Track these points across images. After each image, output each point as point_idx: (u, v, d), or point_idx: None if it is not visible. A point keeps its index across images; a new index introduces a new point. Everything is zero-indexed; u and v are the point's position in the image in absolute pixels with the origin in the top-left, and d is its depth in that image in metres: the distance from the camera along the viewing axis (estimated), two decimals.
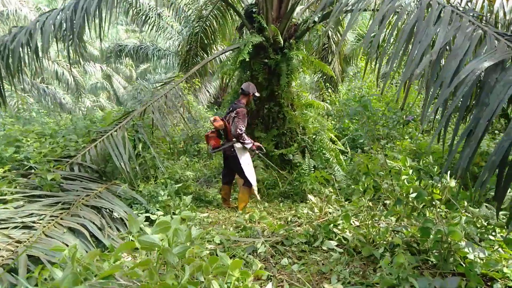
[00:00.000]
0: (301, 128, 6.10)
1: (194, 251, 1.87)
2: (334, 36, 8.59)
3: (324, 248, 3.08)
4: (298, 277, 2.58)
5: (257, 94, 4.74)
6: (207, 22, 8.57)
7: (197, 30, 8.95)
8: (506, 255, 2.53)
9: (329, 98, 8.35)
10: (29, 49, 4.37)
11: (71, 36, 4.39)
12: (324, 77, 9.30)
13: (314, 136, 6.01)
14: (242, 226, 3.46)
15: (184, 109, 4.71)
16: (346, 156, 6.20)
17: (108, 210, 3.38)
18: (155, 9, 13.23)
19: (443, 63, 2.26)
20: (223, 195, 4.80)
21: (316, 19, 5.25)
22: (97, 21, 4.50)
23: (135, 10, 12.39)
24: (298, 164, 5.60)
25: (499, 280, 2.33)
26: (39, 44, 4.68)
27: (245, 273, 2.04)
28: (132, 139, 4.18)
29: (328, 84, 8.89)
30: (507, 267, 2.37)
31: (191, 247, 1.86)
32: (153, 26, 13.27)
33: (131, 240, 1.96)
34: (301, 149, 5.97)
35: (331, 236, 3.21)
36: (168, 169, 4.66)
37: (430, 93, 2.20)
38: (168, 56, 15.96)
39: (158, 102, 4.35)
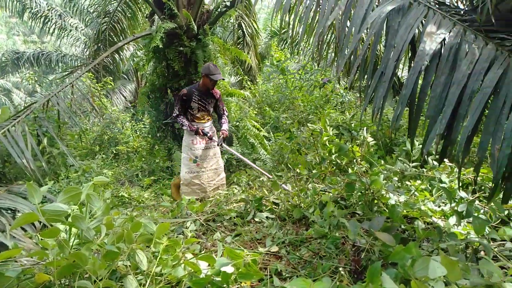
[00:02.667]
0: None
1: (112, 217, 1.66)
2: (248, 29, 8.70)
3: (257, 219, 3.03)
4: (232, 246, 2.47)
5: (213, 77, 3.99)
6: (114, 18, 8.09)
7: (104, 27, 8.42)
8: (421, 197, 2.72)
9: (249, 89, 8.42)
10: None
11: None
12: (242, 68, 9.37)
13: (237, 123, 5.98)
14: (170, 210, 3.26)
15: (93, 98, 4.31)
16: (270, 141, 6.29)
17: (9, 211, 2.94)
18: (55, 10, 12.15)
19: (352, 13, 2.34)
20: None
21: (228, 3, 5.23)
22: None
23: (32, 11, 11.27)
24: (223, 152, 5.52)
25: (419, 218, 2.48)
26: None
27: (174, 241, 1.88)
28: (35, 134, 3.71)
29: (247, 77, 8.97)
30: (424, 205, 2.54)
31: (108, 214, 1.66)
32: (54, 29, 12.17)
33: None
34: (227, 137, 5.91)
35: (262, 209, 3.17)
36: (83, 166, 4.25)
37: (342, 43, 2.27)
38: (75, 61, 14.75)
39: (63, 92, 3.92)
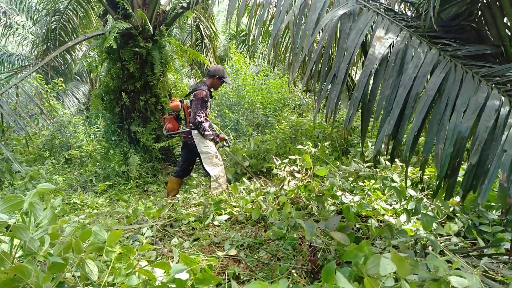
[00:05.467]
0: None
1: (59, 226, 1.57)
2: (207, 31, 8.62)
3: (216, 223, 3.00)
4: (190, 251, 2.43)
5: (226, 80, 4.17)
6: (65, 17, 7.72)
7: (54, 26, 8.01)
8: (374, 196, 2.82)
9: None
10: None
11: None
12: (201, 71, 9.26)
13: None
14: (125, 216, 3.15)
15: (40, 100, 4.07)
16: (231, 143, 6.26)
17: None
18: (0, 7, 11.40)
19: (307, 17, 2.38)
20: (167, 188, 4.32)
21: (185, 4, 5.15)
22: None
23: None
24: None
25: (372, 217, 2.57)
26: None
27: (128, 248, 1.81)
28: None
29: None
30: (377, 205, 2.63)
31: (55, 223, 1.56)
32: None
33: None
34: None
35: (221, 212, 3.14)
36: (30, 172, 4.01)
37: (297, 46, 2.30)
38: (23, 61, 13.88)
39: (7, 94, 3.67)
